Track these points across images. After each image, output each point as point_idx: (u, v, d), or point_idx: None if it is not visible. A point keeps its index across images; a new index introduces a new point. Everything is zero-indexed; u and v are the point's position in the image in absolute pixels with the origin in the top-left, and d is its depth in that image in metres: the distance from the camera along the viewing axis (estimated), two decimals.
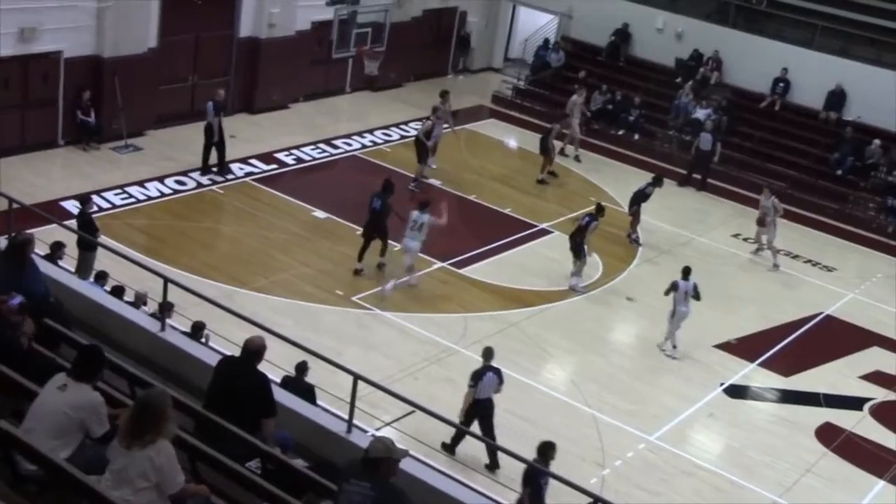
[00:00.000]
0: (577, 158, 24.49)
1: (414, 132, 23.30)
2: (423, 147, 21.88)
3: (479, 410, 13.12)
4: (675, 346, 16.63)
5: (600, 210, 18.74)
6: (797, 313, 18.72)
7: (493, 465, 13.11)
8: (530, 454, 11.23)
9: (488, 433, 12.98)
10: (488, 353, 13.44)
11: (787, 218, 23.20)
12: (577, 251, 18.21)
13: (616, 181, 23.29)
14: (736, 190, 24.06)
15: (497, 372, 13.29)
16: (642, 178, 24.01)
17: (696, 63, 26.85)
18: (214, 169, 20.64)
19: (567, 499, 9.33)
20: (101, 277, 13.88)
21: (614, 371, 16.03)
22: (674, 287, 16.55)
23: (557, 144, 23.78)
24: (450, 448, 13.24)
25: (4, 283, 8.69)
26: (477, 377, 13.12)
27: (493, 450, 12.94)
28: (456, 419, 12.83)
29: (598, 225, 18.41)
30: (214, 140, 20.51)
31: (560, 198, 22.14)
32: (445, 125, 22.64)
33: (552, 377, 15.83)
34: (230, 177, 20.64)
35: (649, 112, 26.32)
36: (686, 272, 16.68)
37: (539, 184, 22.80)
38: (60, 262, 13.33)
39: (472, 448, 12.39)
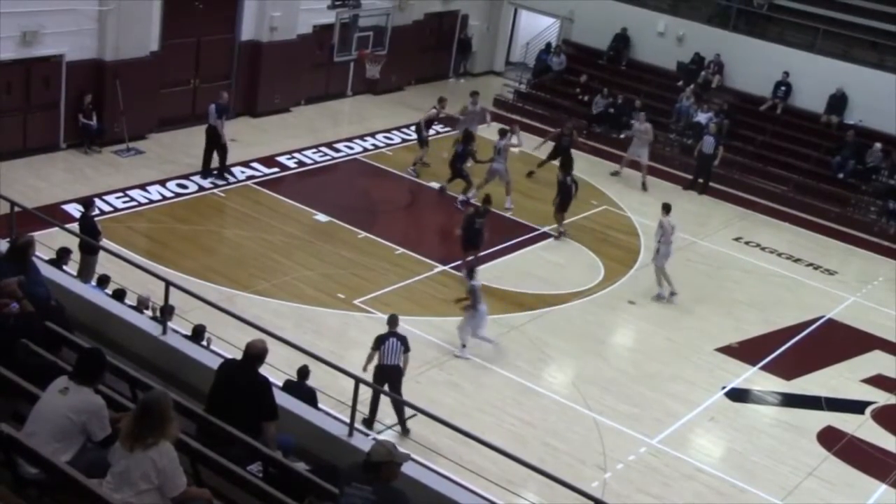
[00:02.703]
0: (644, 185, 23.63)
1: (415, 135, 23.32)
2: (421, 133, 22.55)
3: (386, 376, 13.34)
4: (464, 346, 15.68)
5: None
6: (799, 317, 18.70)
7: (403, 432, 13.43)
8: (531, 457, 11.22)
9: (395, 400, 13.19)
10: (393, 320, 13.84)
11: (788, 221, 23.29)
12: None
13: (617, 184, 23.28)
14: (737, 193, 24.06)
15: (401, 339, 13.57)
16: (640, 180, 24.07)
17: (698, 66, 26.87)
18: (215, 172, 20.67)
19: (568, 502, 9.32)
20: (103, 281, 13.88)
21: (616, 374, 16.02)
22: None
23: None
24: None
25: None
26: (379, 341, 13.49)
27: (400, 414, 13.39)
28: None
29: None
30: (221, 142, 20.55)
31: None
32: (482, 125, 23.41)
33: (553, 380, 15.83)
34: (231, 180, 20.66)
35: (651, 115, 26.26)
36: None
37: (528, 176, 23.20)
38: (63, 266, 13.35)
39: (474, 450, 12.38)
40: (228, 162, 20.89)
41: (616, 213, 22.14)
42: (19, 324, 8.13)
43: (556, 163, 22.50)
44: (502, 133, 21.31)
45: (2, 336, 7.96)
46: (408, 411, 13.12)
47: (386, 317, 14.38)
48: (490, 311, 17.06)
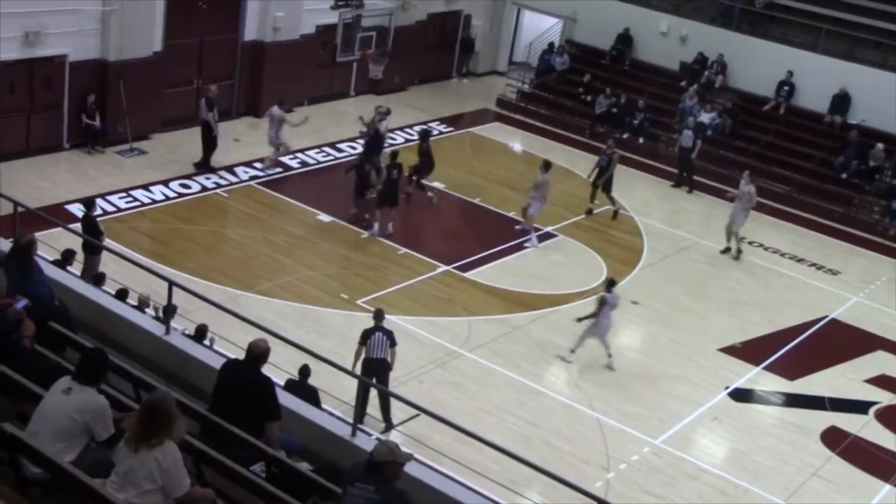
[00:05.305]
0: (738, 252, 20.74)
1: (416, 136, 23.25)
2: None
3: (373, 369, 13.33)
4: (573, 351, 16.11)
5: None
6: (802, 317, 18.68)
7: (387, 427, 13.39)
8: (535, 457, 11.20)
9: (382, 393, 13.14)
10: (379, 315, 13.85)
11: (791, 221, 23.26)
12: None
13: (620, 184, 23.20)
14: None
15: (388, 333, 13.58)
16: (644, 180, 24.04)
17: (701, 66, 26.84)
18: (200, 165, 20.72)
19: (571, 502, 9.31)
20: (99, 280, 13.82)
21: (619, 374, 16.00)
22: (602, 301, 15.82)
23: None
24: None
25: (9, 285, 8.70)
26: (366, 336, 13.49)
27: (385, 409, 13.37)
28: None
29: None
30: (212, 135, 20.57)
31: (563, 201, 22.11)
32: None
33: (556, 380, 15.82)
34: (234, 179, 20.67)
35: (654, 115, 26.32)
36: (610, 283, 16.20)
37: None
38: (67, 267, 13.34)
39: (477, 450, 12.37)
40: (230, 161, 20.94)
41: (619, 213, 22.10)
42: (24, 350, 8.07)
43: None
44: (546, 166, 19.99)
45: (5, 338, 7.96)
46: (410, 411, 13.10)
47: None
48: (493, 312, 17.09)
